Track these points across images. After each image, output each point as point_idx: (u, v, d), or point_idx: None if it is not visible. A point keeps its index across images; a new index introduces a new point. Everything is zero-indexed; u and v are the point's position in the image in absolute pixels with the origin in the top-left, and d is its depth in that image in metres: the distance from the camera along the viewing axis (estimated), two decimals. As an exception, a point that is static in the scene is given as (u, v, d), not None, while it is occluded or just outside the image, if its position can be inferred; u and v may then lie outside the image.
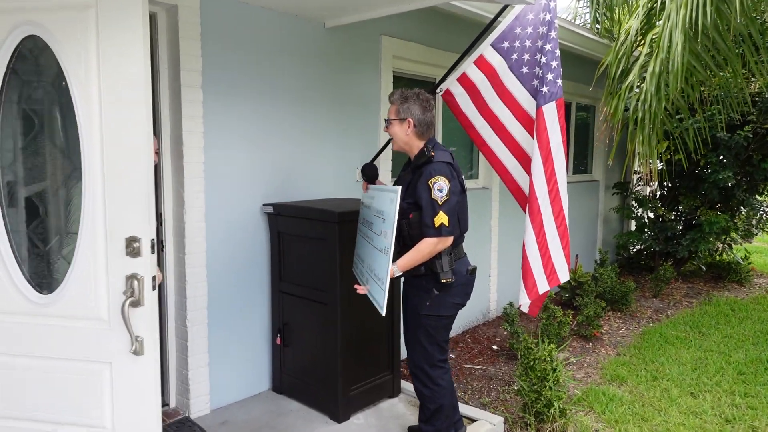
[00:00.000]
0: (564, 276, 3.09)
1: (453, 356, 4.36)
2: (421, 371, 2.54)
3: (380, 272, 2.31)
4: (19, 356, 1.93)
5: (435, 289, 2.48)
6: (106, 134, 1.75)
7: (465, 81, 3.22)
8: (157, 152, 2.62)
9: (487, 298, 5.25)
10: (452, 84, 3.26)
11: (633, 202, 7.09)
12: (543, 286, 3.08)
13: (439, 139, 4.70)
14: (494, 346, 4.59)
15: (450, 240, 2.42)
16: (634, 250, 7.31)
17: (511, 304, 4.40)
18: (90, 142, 1.75)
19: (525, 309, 3.19)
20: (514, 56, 3.06)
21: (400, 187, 2.30)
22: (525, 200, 3.15)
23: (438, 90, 3.34)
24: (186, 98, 2.87)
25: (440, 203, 2.36)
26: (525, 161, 3.12)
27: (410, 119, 2.47)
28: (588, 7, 5.51)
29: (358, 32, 3.75)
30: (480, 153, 5.14)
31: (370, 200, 2.63)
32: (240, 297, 3.24)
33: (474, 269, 2.63)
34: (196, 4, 2.87)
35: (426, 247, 2.39)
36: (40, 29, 1.79)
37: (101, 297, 1.78)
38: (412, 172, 2.49)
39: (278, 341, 3.31)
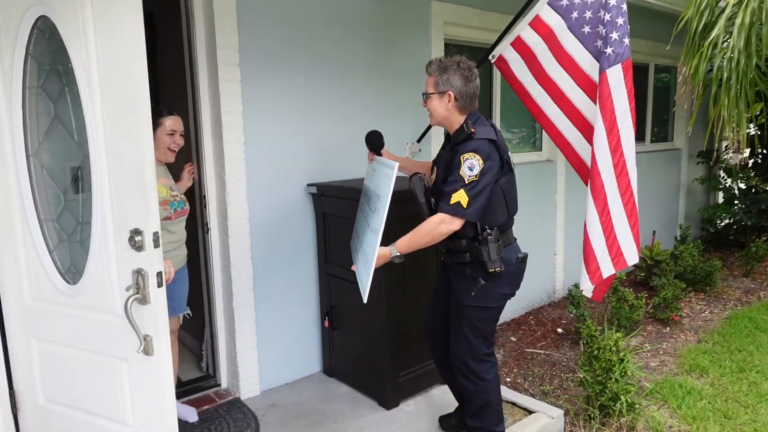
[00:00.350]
0: (632, 258, 2.79)
1: (514, 339, 4.14)
2: (464, 365, 2.36)
3: (369, 253, 2.15)
4: (57, 344, 1.95)
5: (481, 278, 2.27)
6: (106, 117, 1.66)
7: (519, 45, 2.93)
8: (183, 134, 2.55)
9: (552, 278, 4.95)
10: (506, 49, 2.98)
11: (721, 172, 6.44)
12: (607, 270, 2.79)
13: (498, 111, 4.41)
14: (559, 329, 4.32)
15: (459, 224, 2.17)
16: (722, 224, 6.66)
17: (576, 286, 4.10)
18: (94, 126, 1.68)
19: (588, 294, 2.92)
20: (574, 14, 2.73)
21: (397, 163, 2.13)
22: (588, 175, 2.86)
23: (491, 57, 3.07)
24: (223, 77, 2.79)
25: (466, 181, 2.13)
26: (588, 132, 2.82)
27: (450, 92, 2.22)
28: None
29: (406, -2, 3.52)
30: (543, 123, 4.83)
31: (372, 173, 2.46)
32: (286, 279, 3.18)
33: (525, 257, 2.38)
34: (231, -22, 2.77)
35: (429, 227, 2.16)
36: (47, 7, 1.72)
37: (115, 291, 1.74)
38: (450, 150, 2.26)
39: (326, 324, 3.24)
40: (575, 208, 4.97)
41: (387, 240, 2.16)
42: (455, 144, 2.22)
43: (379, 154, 2.57)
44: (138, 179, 1.65)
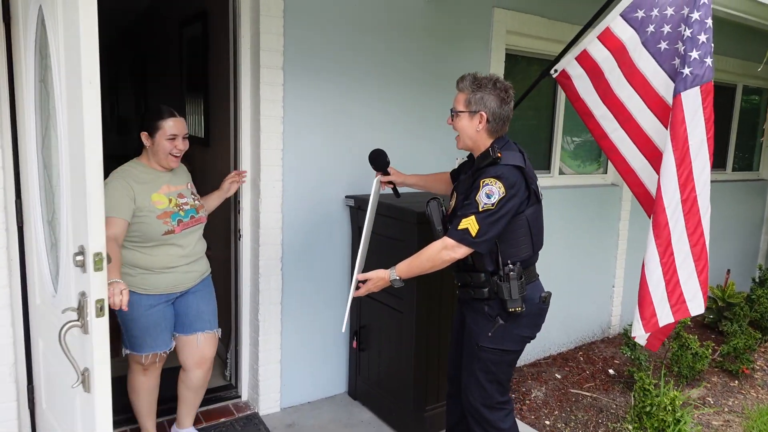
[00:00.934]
0: (697, 308, 2.46)
1: (559, 377, 3.83)
2: (476, 412, 2.11)
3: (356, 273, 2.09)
4: (49, 348, 1.87)
5: (500, 317, 2.03)
6: (65, 112, 1.48)
7: (585, 60, 2.65)
8: (186, 137, 2.34)
9: (608, 312, 4.57)
10: (569, 64, 2.71)
11: (812, 208, 5.78)
12: (665, 318, 2.48)
13: (560, 127, 4.10)
14: (611, 370, 3.96)
15: (463, 252, 1.95)
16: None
17: (631, 325, 3.73)
18: (61, 122, 1.52)
19: (641, 341, 2.62)
20: (650, 28, 2.44)
21: (377, 177, 2.07)
22: (653, 209, 2.55)
23: (552, 71, 2.81)
24: (265, 80, 2.68)
25: (480, 208, 1.91)
26: (656, 161, 2.51)
27: (483, 112, 1.99)
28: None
29: (466, 3, 3.31)
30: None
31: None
32: (317, 293, 3.04)
33: (548, 296, 2.13)
34: (280, -22, 2.66)
35: (430, 252, 1.99)
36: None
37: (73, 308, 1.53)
38: (473, 175, 2.03)
39: (354, 345, 3.08)
40: (640, 238, 4.55)
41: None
42: (478, 168, 2.00)
43: (387, 174, 2.42)
44: (80, 189, 1.41)
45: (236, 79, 2.81)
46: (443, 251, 1.97)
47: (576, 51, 2.68)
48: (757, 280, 4.95)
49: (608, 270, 4.48)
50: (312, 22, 2.80)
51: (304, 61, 2.81)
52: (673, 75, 2.38)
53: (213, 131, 3.62)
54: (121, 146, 7.39)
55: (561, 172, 4.20)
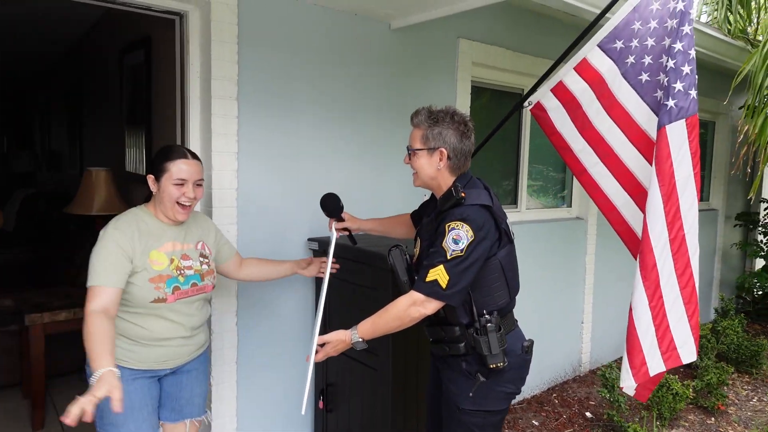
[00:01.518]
0: (689, 355, 2.30)
1: (536, 423, 3.61)
2: None
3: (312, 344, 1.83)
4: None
5: (480, 374, 1.80)
6: None
7: (561, 92, 2.52)
8: (200, 183, 1.93)
9: (578, 349, 4.43)
10: (545, 96, 2.58)
11: (760, 236, 5.93)
12: (656, 367, 2.29)
13: (526, 161, 3.99)
14: (588, 413, 3.78)
15: (434, 307, 1.74)
16: (760, 293, 6.11)
17: (611, 366, 3.59)
18: None
19: (629, 392, 2.42)
20: (630, 59, 2.33)
21: (331, 224, 1.89)
22: (639, 247, 2.40)
23: (526, 103, 2.67)
24: (217, 112, 2.41)
25: (448, 256, 1.70)
26: (640, 197, 2.37)
27: (443, 149, 1.81)
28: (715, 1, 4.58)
29: (431, 34, 3.16)
30: (573, 177, 4.40)
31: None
32: (277, 349, 2.72)
33: (531, 345, 1.94)
34: (233, 1, 2.41)
35: (396, 310, 1.76)
36: None
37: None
38: (436, 218, 1.84)
39: (321, 405, 2.75)
40: (607, 271, 4.49)
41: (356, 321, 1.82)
42: (441, 210, 1.81)
43: (341, 219, 2.20)
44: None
45: (184, 111, 2.52)
46: (411, 308, 1.74)
47: (551, 83, 2.55)
48: (720, 311, 4.95)
49: (577, 305, 4.36)
50: (270, 49, 2.56)
51: (260, 91, 2.55)
52: (656, 107, 2.27)
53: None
54: (55, 183, 6.84)
55: (526, 207, 4.08)
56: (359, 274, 2.47)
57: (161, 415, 2.01)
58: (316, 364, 2.77)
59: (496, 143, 3.81)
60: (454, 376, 1.87)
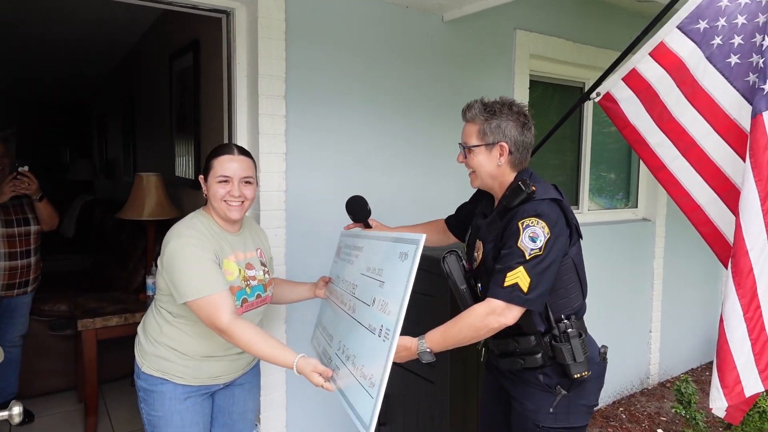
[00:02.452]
0: (794, 373, 2.03)
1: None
2: None
3: (368, 366, 1.45)
4: None
5: (561, 386, 1.62)
6: None
7: (635, 80, 2.30)
8: (248, 181, 1.75)
9: (646, 360, 4.13)
10: (615, 86, 2.36)
11: None
12: (752, 387, 2.03)
13: (588, 159, 3.75)
14: (659, 430, 3.49)
15: (515, 316, 1.54)
16: None
17: (686, 380, 3.29)
18: None
19: (719, 413, 2.16)
20: (717, 41, 2.09)
21: (423, 235, 1.50)
22: (727, 250, 2.15)
23: (594, 95, 2.45)
24: (264, 111, 2.31)
25: (527, 256, 1.52)
26: (730, 195, 2.13)
27: (503, 143, 1.65)
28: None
29: (486, 26, 2.99)
30: (639, 176, 4.12)
31: (354, 251, 1.83)
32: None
33: (606, 351, 1.75)
34: (281, -4, 2.32)
35: (472, 319, 1.55)
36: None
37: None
38: (500, 217, 1.66)
39: (373, 417, 2.61)
40: (677, 277, 4.17)
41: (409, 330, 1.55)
42: (508, 208, 1.63)
43: (368, 226, 2.00)
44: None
45: (231, 111, 2.44)
46: (490, 317, 1.55)
47: (622, 71, 2.33)
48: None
49: (644, 313, 4.06)
50: (318, 45, 2.45)
51: (308, 89, 2.44)
52: (748, 93, 2.02)
53: (205, 172, 3.24)
54: (110, 191, 7.02)
55: (588, 208, 3.83)
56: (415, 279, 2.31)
57: (216, 428, 1.91)
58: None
59: (555, 140, 3.59)
60: (529, 391, 1.69)
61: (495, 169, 1.69)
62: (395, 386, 2.51)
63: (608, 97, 2.40)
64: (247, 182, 1.74)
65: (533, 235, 1.54)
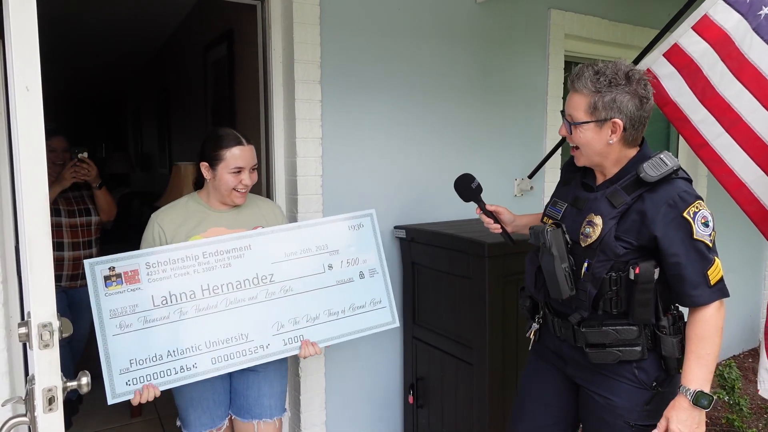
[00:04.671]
0: None
1: None
2: None
3: (365, 298, 1.87)
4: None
5: (657, 382, 1.51)
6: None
7: (677, 55, 2.24)
8: (255, 168, 1.86)
9: (686, 346, 4.03)
10: (656, 62, 2.30)
11: None
12: (807, 363, 1.99)
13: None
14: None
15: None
16: None
17: (729, 365, 3.22)
18: None
19: (765, 395, 2.12)
20: (765, 11, 2.02)
21: (372, 210, 1.78)
22: (776, 229, 2.09)
23: (633, 72, 2.39)
24: (300, 96, 2.33)
25: (710, 243, 1.42)
26: (779, 171, 2.06)
27: (618, 119, 1.47)
28: None
29: (519, 6, 2.95)
30: (677, 156, 4.01)
31: (230, 253, 1.75)
32: (365, 342, 2.62)
33: None
34: (314, -19, 2.33)
35: (715, 324, 1.43)
36: None
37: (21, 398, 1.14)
38: (629, 190, 1.49)
39: (410, 399, 2.63)
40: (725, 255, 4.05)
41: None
42: (643, 182, 1.46)
43: (482, 204, 1.87)
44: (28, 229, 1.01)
45: (267, 97, 2.47)
46: (719, 314, 1.44)
47: (663, 47, 2.27)
48: None
49: (684, 299, 3.96)
50: (352, 30, 2.46)
51: (343, 74, 2.46)
52: (798, 65, 1.95)
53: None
54: (146, 183, 7.19)
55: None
56: (452, 262, 2.31)
57: (232, 410, 1.97)
58: (405, 357, 2.67)
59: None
60: (619, 387, 1.54)
61: (605, 147, 1.51)
62: (431, 368, 2.52)
63: (649, 73, 2.34)
64: (253, 169, 1.84)
65: (704, 220, 1.43)
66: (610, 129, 1.49)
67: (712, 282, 1.42)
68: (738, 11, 2.07)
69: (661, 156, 1.48)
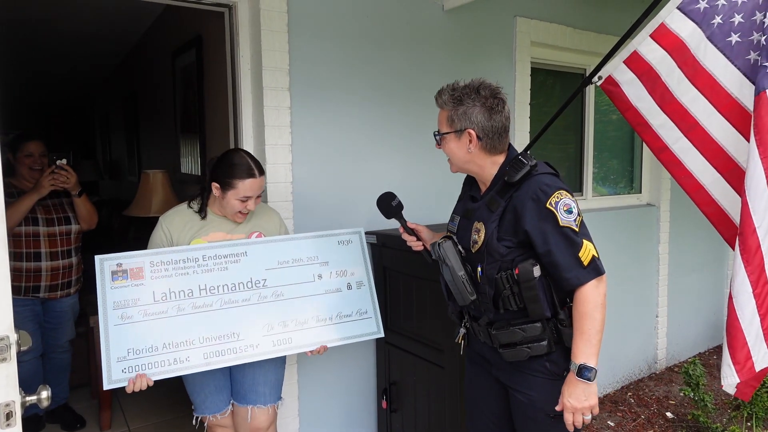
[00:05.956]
0: (803, 347, 2.05)
1: (612, 424, 3.38)
2: None
3: (352, 307, 2.02)
4: None
5: (567, 371, 1.60)
6: None
7: (636, 62, 2.30)
8: (259, 196, 1.99)
9: (653, 345, 4.14)
10: (617, 69, 2.36)
11: None
12: (762, 361, 2.06)
13: (591, 145, 3.76)
14: (668, 413, 3.51)
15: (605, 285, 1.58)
16: None
17: (694, 363, 3.31)
18: None
19: (730, 390, 2.18)
20: (717, 20, 2.10)
21: (361, 228, 1.97)
22: (732, 230, 2.17)
23: (596, 79, 2.46)
24: (269, 104, 2.34)
25: (577, 228, 1.54)
26: (733, 174, 2.14)
27: (470, 130, 1.62)
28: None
29: (486, 14, 3.00)
30: (642, 161, 4.13)
31: (228, 258, 1.91)
32: (337, 348, 2.62)
33: None
34: (282, -12, 2.34)
35: (594, 301, 1.54)
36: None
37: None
38: (501, 194, 1.62)
39: (384, 404, 2.64)
40: (682, 262, 4.18)
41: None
42: (510, 183, 1.59)
43: (403, 222, 1.94)
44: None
45: (236, 104, 2.47)
46: (598, 291, 1.55)
47: (624, 54, 2.34)
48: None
49: (650, 299, 4.07)
50: (320, 36, 2.47)
51: (312, 81, 2.47)
52: (750, 72, 2.03)
53: (211, 167, 3.26)
54: (115, 191, 7.05)
55: (592, 195, 3.84)
56: (420, 266, 2.33)
57: (232, 395, 2.10)
58: (378, 362, 2.68)
59: (557, 131, 3.60)
60: (535, 381, 1.64)
61: (466, 155, 1.66)
62: (403, 372, 2.53)
63: (610, 80, 2.41)
64: (258, 197, 1.98)
65: (567, 207, 1.54)
66: (467, 138, 1.64)
67: (585, 263, 1.53)
68: (693, 20, 2.14)
69: (519, 156, 1.62)
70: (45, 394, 1.10)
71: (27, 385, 1.08)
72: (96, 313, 3.02)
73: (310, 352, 1.94)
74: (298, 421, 2.52)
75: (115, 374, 1.68)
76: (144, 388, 1.70)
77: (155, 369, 1.73)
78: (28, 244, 2.69)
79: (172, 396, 3.31)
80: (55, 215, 2.77)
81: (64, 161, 2.57)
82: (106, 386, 1.67)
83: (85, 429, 3.12)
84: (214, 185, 1.93)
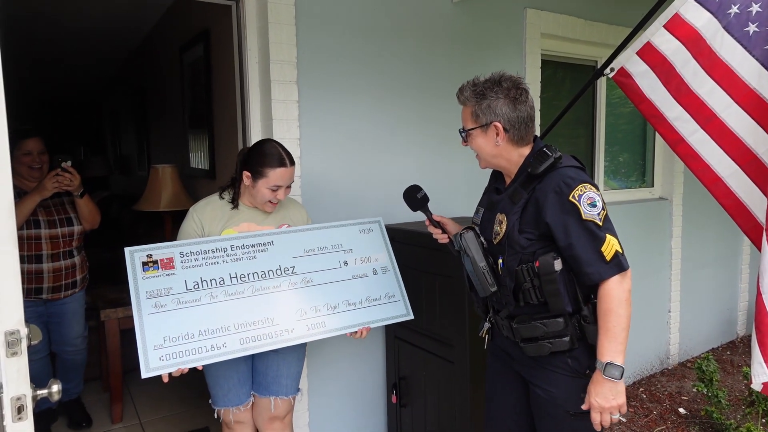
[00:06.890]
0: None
1: (624, 420, 3.34)
2: None
3: (380, 291, 2.04)
4: None
5: (590, 369, 1.56)
6: None
7: (650, 54, 2.26)
8: (290, 186, 2.02)
9: (665, 340, 4.10)
10: (630, 60, 2.32)
11: None
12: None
13: (602, 138, 3.71)
14: (681, 409, 3.47)
15: (630, 280, 1.54)
16: None
17: (707, 359, 3.27)
18: None
19: (757, 388, 2.14)
20: (733, 9, 2.05)
21: (380, 218, 1.97)
22: (751, 222, 2.13)
23: (608, 70, 2.42)
24: (277, 97, 2.32)
25: (600, 222, 1.50)
26: (752, 166, 2.10)
27: (497, 123, 1.61)
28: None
29: (495, 5, 2.96)
30: (654, 154, 4.07)
31: (255, 248, 1.94)
32: (346, 342, 2.62)
33: None
34: (290, -19, 2.31)
35: (618, 297, 1.49)
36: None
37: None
38: (524, 186, 1.61)
39: (394, 399, 2.63)
40: (695, 256, 4.13)
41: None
42: (533, 176, 1.58)
43: (429, 214, 1.92)
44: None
45: (244, 98, 2.45)
46: (625, 287, 1.50)
47: (636, 45, 2.30)
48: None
49: (663, 293, 4.03)
50: (327, 29, 2.45)
51: (320, 73, 2.45)
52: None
53: (219, 160, 3.26)
54: (125, 186, 7.09)
55: (603, 188, 3.80)
56: (431, 260, 2.32)
57: (253, 387, 2.11)
58: (388, 356, 2.67)
59: (568, 125, 3.56)
60: (556, 378, 1.60)
61: (494, 149, 1.65)
62: (413, 368, 2.52)
63: (622, 72, 2.37)
64: (288, 187, 2.00)
65: (590, 201, 1.51)
66: (494, 132, 1.63)
67: (608, 258, 1.50)
68: (708, 10, 2.10)
69: (544, 148, 1.59)
70: (56, 387, 1.10)
71: (35, 383, 1.07)
72: (106, 307, 3.06)
73: (351, 334, 1.96)
74: (308, 414, 2.52)
75: (152, 362, 1.68)
76: (181, 373, 1.72)
77: (193, 356, 1.72)
78: (29, 247, 2.63)
79: (183, 389, 3.33)
80: (56, 216, 2.71)
81: (69, 163, 2.51)
82: (144, 374, 1.66)
83: (96, 422, 3.13)
84: (246, 174, 1.95)
